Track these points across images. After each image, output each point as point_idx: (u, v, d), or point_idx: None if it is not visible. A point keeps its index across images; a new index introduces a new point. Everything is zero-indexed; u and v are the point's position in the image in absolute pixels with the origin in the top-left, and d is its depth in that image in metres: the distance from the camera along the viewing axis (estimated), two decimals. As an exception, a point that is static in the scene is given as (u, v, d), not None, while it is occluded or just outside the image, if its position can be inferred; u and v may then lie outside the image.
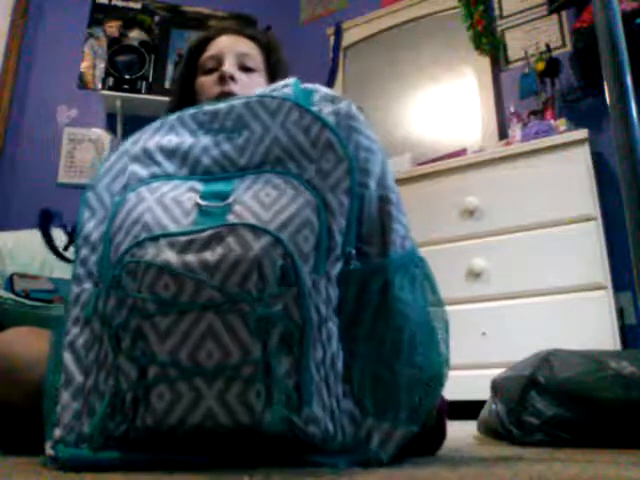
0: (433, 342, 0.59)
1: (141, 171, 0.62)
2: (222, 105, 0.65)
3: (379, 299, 0.57)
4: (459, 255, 2.06)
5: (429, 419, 0.61)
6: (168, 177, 0.62)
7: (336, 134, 0.60)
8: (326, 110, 0.63)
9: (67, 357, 0.57)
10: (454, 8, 2.77)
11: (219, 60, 0.97)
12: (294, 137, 0.61)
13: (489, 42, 2.62)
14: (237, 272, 0.51)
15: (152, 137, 0.65)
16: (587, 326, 1.79)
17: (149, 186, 0.60)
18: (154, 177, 0.62)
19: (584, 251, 1.86)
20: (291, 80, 0.67)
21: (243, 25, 1.09)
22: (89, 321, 0.57)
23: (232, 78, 0.93)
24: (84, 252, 0.60)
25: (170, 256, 0.53)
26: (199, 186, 0.60)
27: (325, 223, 0.56)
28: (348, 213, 0.58)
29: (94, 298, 0.57)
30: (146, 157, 0.63)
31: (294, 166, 0.60)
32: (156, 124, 0.66)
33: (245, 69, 0.97)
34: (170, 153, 0.63)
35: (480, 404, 1.12)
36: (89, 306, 0.57)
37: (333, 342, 0.56)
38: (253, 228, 0.53)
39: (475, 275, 2.02)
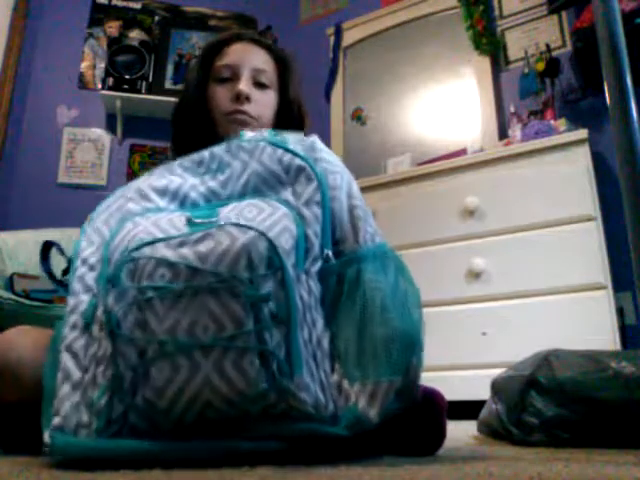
0: (405, 307, 0.63)
1: (135, 207, 0.69)
2: (205, 153, 0.73)
3: (355, 286, 0.63)
4: (459, 255, 2.07)
5: (413, 385, 0.62)
6: (159, 210, 0.69)
7: (305, 160, 0.68)
8: (297, 147, 0.71)
9: (65, 358, 0.59)
10: (454, 8, 2.77)
11: (235, 72, 1.00)
12: (269, 167, 0.69)
13: (489, 42, 2.62)
14: (227, 258, 0.57)
15: (145, 181, 0.71)
16: (587, 326, 1.79)
17: (144, 216, 0.66)
18: (147, 210, 0.68)
19: (584, 251, 1.86)
20: (266, 130, 0.76)
21: (256, 31, 1.13)
22: (88, 327, 0.60)
23: (248, 98, 0.98)
24: (82, 270, 0.64)
25: (166, 252, 0.58)
26: (188, 213, 0.67)
27: (302, 229, 0.63)
28: (322, 220, 0.65)
29: (92, 307, 0.60)
30: (139, 196, 0.70)
31: (271, 192, 0.68)
32: (147, 174, 0.73)
33: (259, 85, 1.01)
34: (161, 192, 0.70)
35: (480, 404, 1.12)
36: (88, 313, 0.60)
37: (318, 326, 0.61)
38: (239, 225, 0.59)
39: (475, 275, 2.02)
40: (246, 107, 0.97)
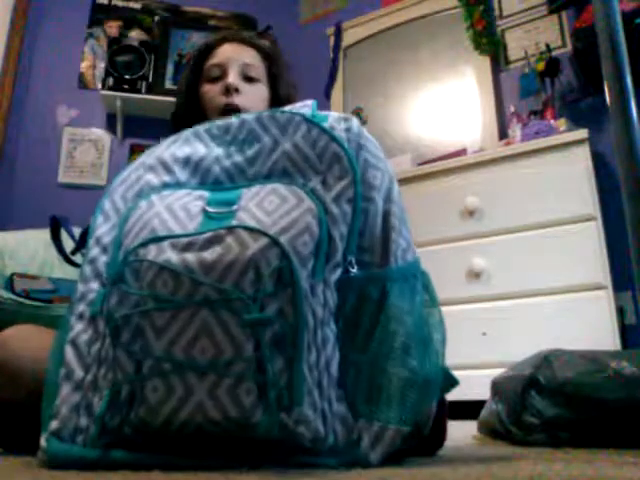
0: (428, 349, 0.60)
1: (154, 179, 0.65)
2: (234, 120, 0.68)
3: (377, 308, 0.58)
4: (459, 255, 2.07)
5: (424, 427, 0.60)
6: (179, 186, 0.64)
7: (342, 146, 0.61)
8: (339, 127, 0.64)
9: (69, 352, 0.57)
10: (454, 8, 2.77)
11: (223, 69, 1.03)
12: (302, 149, 0.62)
13: (489, 42, 2.62)
14: (233, 271, 0.52)
15: (167, 149, 0.68)
16: (587, 326, 1.79)
17: (160, 194, 0.62)
18: (166, 186, 0.64)
19: (584, 251, 1.86)
20: (310, 102, 0.69)
21: (246, 31, 1.16)
22: (94, 319, 0.58)
23: (237, 90, 1.00)
24: (94, 252, 0.61)
25: (171, 255, 0.54)
26: (207, 194, 0.62)
27: (326, 230, 0.57)
28: (350, 222, 0.59)
29: (101, 297, 0.58)
30: (160, 166, 0.66)
31: (300, 177, 0.62)
32: (172, 138, 0.69)
33: (248, 79, 1.03)
34: (183, 162, 0.66)
35: (480, 404, 1.12)
36: (95, 305, 0.58)
37: (328, 347, 0.56)
38: (252, 230, 0.54)
39: (475, 275, 2.02)
40: (236, 100, 0.99)
